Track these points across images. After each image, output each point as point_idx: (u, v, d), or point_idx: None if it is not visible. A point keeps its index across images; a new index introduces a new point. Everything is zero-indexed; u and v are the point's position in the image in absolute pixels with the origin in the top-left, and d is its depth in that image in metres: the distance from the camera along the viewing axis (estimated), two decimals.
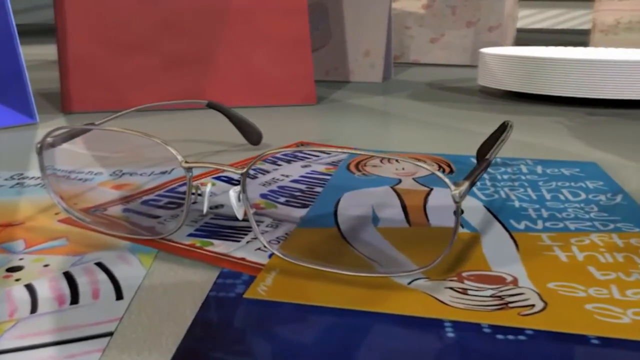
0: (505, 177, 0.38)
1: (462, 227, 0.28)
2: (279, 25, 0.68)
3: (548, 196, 0.33)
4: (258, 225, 0.28)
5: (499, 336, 0.19)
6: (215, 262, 0.24)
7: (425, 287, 0.22)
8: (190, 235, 0.27)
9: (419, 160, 0.20)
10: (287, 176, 0.36)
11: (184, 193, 0.33)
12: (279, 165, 0.38)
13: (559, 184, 0.36)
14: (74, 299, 0.21)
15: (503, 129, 0.37)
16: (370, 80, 0.94)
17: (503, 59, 0.74)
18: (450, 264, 0.24)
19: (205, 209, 0.24)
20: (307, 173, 0.37)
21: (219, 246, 0.26)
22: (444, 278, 0.23)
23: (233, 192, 0.24)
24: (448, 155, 0.43)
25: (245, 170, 0.23)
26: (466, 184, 0.21)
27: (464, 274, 0.23)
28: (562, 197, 0.33)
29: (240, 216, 0.24)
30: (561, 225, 0.29)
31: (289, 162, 0.39)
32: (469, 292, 0.21)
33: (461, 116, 0.62)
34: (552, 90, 0.69)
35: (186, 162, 0.24)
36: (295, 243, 0.26)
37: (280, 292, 0.21)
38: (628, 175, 0.39)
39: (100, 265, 0.24)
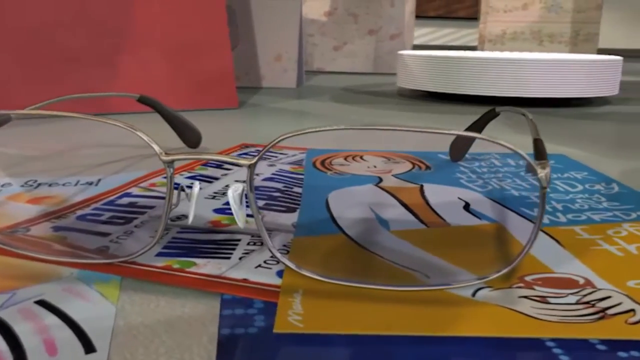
0: (484, 169, 0.34)
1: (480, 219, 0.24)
2: (195, 25, 0.61)
3: None
4: (251, 236, 0.22)
5: (621, 354, 0.15)
6: (208, 288, 0.18)
7: (496, 298, 0.17)
8: (161, 254, 0.20)
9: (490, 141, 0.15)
10: (258, 174, 0.30)
11: (129, 205, 0.26)
12: None
13: None
14: (19, 357, 0.14)
15: (488, 117, 0.34)
16: (283, 86, 0.89)
17: (423, 60, 0.72)
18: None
19: (191, 218, 0.18)
20: (277, 172, 0.31)
21: (205, 266, 0.19)
22: (509, 285, 0.18)
23: (233, 193, 0.18)
24: (415, 152, 0.39)
25: (254, 160, 0.17)
26: (548, 166, 0.17)
27: (527, 279, 0.19)
28: (560, 188, 0.30)
29: (242, 224, 0.18)
30: (584, 217, 0.25)
31: None
32: (550, 300, 0.17)
33: (390, 116, 0.59)
34: (477, 89, 0.68)
35: (166, 153, 0.18)
36: (306, 256, 0.20)
37: (322, 321, 0.16)
38: (597, 167, 0.37)
39: (43, 304, 0.17)
